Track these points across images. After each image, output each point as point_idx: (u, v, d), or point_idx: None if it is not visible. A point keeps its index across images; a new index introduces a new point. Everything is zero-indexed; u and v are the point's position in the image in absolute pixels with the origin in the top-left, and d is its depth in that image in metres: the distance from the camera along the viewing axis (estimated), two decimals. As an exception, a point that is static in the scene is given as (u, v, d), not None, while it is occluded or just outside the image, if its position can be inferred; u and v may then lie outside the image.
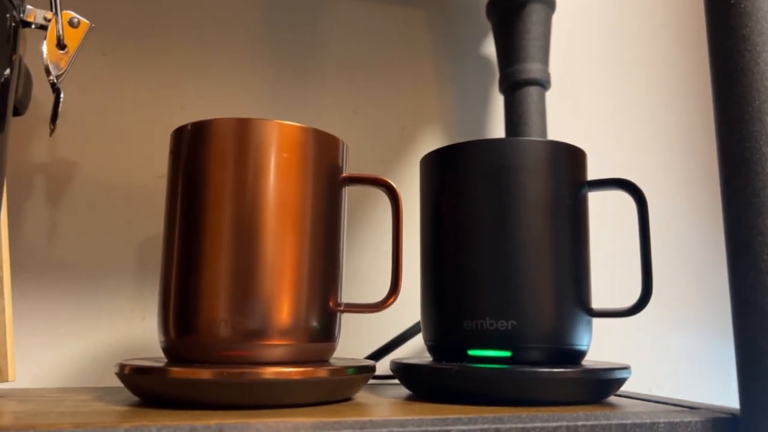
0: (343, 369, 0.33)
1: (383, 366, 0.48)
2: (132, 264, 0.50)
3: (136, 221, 0.51)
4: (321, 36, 0.58)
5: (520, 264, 0.35)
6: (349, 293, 0.39)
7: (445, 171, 0.39)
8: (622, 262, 0.57)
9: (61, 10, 0.35)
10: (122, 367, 0.32)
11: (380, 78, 0.59)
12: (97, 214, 0.50)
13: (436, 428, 0.27)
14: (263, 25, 0.57)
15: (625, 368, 0.35)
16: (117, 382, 0.46)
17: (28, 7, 0.35)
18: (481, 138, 0.61)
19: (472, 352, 0.35)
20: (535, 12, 0.56)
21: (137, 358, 0.37)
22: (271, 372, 0.30)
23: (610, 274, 0.56)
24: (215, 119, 0.35)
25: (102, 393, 0.38)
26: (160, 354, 0.36)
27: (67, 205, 0.50)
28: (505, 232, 0.36)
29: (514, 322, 0.34)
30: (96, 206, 0.50)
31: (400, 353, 0.50)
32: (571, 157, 0.38)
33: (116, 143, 0.51)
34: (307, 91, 0.57)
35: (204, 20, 0.55)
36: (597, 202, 0.44)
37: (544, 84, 0.55)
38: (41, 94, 0.39)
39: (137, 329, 0.49)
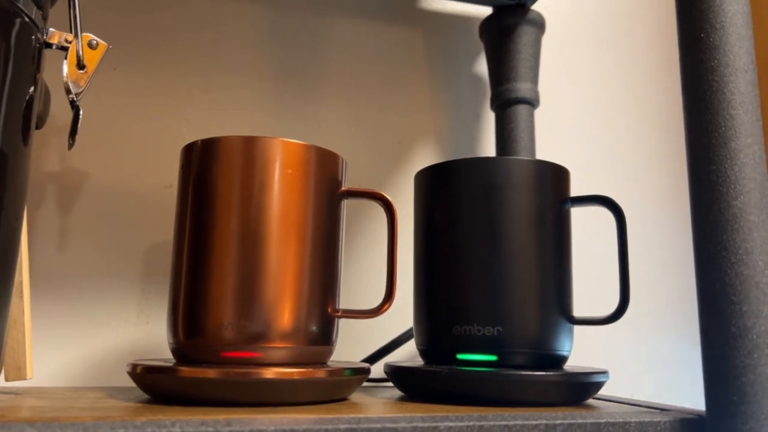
0: (341, 370, 0.35)
1: (378, 369, 0.51)
2: (138, 270, 0.53)
3: (144, 229, 0.53)
4: (322, 54, 0.61)
5: (506, 274, 0.38)
6: (346, 300, 0.41)
7: (438, 186, 0.41)
8: (602, 272, 0.60)
9: (81, 32, 0.37)
10: (134, 366, 0.35)
11: (378, 94, 0.62)
12: (105, 221, 0.52)
13: (426, 424, 0.29)
14: (267, 42, 0.60)
15: (603, 372, 0.38)
16: (123, 382, 0.49)
17: (51, 29, 0.37)
18: (473, 153, 0.64)
19: (461, 356, 0.38)
20: (525, 33, 0.59)
21: (147, 359, 0.39)
22: (273, 372, 0.33)
23: (591, 283, 0.59)
24: (224, 137, 0.37)
25: (113, 391, 0.40)
26: (166, 356, 0.38)
27: (78, 212, 0.52)
28: (492, 244, 0.38)
29: (500, 329, 0.37)
30: (105, 214, 0.52)
31: (394, 357, 0.53)
32: (556, 175, 0.41)
33: (125, 154, 0.54)
34: (308, 106, 0.60)
35: (211, 37, 0.58)
36: (579, 215, 0.46)
37: (533, 102, 0.58)
38: (54, 107, 0.41)
39: (142, 333, 0.52)
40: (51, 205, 0.52)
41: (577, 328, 0.41)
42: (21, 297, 0.36)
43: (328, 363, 0.39)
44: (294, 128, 0.59)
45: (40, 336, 0.49)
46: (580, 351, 0.49)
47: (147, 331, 0.52)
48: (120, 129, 0.54)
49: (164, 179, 0.54)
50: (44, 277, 0.50)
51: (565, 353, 0.39)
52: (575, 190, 0.43)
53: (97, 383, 0.49)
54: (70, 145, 0.38)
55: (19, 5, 0.34)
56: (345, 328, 0.48)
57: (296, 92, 0.60)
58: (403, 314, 0.53)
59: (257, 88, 0.59)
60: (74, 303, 0.51)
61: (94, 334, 0.51)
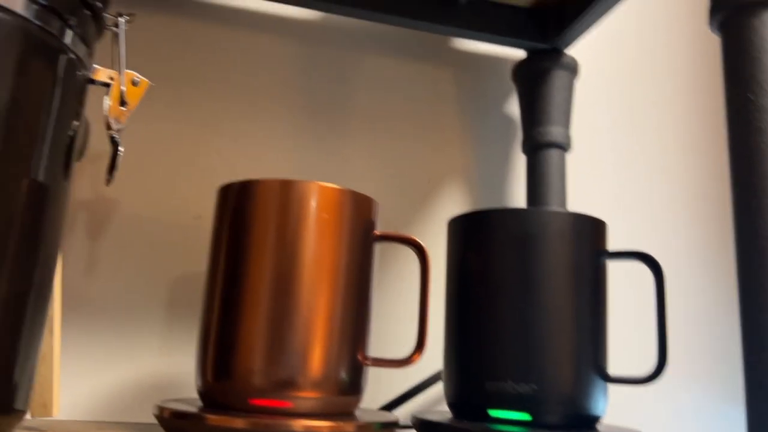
0: (370, 425, 0.35)
1: (402, 412, 0.50)
2: (163, 302, 0.52)
3: (170, 260, 0.53)
4: (352, 90, 0.61)
5: (541, 329, 0.37)
6: (373, 344, 0.40)
7: (473, 235, 0.41)
8: (638, 326, 0.59)
9: (124, 70, 0.38)
10: (161, 409, 0.34)
11: (407, 132, 0.62)
12: (133, 251, 0.52)
13: (461, 489, 0.28)
14: (298, 76, 0.60)
15: (638, 435, 0.37)
16: (143, 416, 0.48)
17: (95, 66, 0.37)
18: (502, 195, 0.63)
19: (493, 413, 0.37)
20: (558, 78, 0.59)
21: (172, 400, 0.38)
22: (302, 425, 0.32)
23: (626, 337, 0.57)
24: (261, 180, 0.37)
25: (137, 429, 0.40)
26: (187, 390, 0.38)
27: (106, 241, 0.52)
28: (528, 298, 0.38)
29: (535, 386, 0.36)
30: (133, 243, 0.52)
31: (416, 402, 0.51)
32: (593, 229, 0.40)
33: (156, 184, 0.54)
34: (336, 141, 0.60)
35: (243, 70, 0.58)
36: (615, 268, 0.46)
37: (564, 146, 0.58)
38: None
39: (164, 366, 0.51)
40: (81, 232, 0.52)
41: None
42: (51, 332, 0.36)
43: (356, 413, 0.38)
44: (322, 163, 0.59)
45: (63, 365, 0.48)
46: (613, 408, 0.47)
47: (169, 364, 0.51)
48: (151, 159, 0.54)
49: (193, 210, 0.54)
50: (68, 305, 0.50)
51: (599, 413, 0.38)
52: (608, 239, 0.42)
53: (117, 415, 0.49)
54: (109, 181, 0.38)
55: (67, 43, 0.34)
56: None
57: (325, 127, 0.60)
58: (429, 356, 0.52)
59: (287, 122, 0.59)
60: (97, 333, 0.50)
61: (116, 365, 0.50)
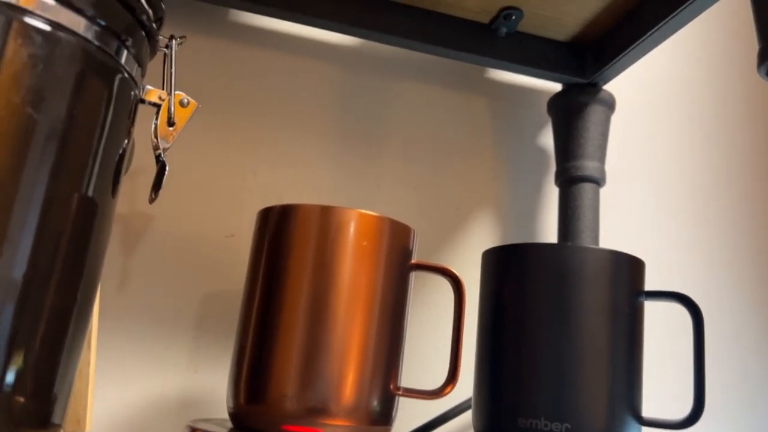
0: (403, 456, 0.34)
1: (426, 446, 0.49)
2: (192, 318, 0.52)
3: (201, 276, 0.53)
4: (388, 117, 0.62)
5: (576, 367, 0.37)
6: (405, 374, 0.40)
7: (509, 268, 0.41)
8: (671, 367, 0.58)
9: (174, 91, 0.38)
10: (193, 430, 0.34)
11: (440, 159, 0.62)
12: (165, 266, 0.53)
13: None
14: (336, 103, 0.61)
15: (674, 482, 0.36)
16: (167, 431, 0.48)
17: (147, 86, 0.38)
18: (533, 227, 0.63)
19: (524, 451, 0.36)
20: (594, 113, 0.59)
21: (203, 420, 0.38)
22: (335, 453, 0.32)
23: (660, 379, 0.57)
24: (301, 204, 0.38)
25: (164, 449, 0.40)
26: (212, 407, 0.38)
27: (139, 255, 0.52)
28: (563, 335, 0.37)
29: (569, 426, 0.36)
30: (165, 259, 0.53)
31: (444, 429, 0.51)
32: (631, 267, 0.40)
33: (191, 201, 0.55)
34: (370, 166, 0.60)
35: (282, 95, 0.59)
36: (652, 307, 0.45)
37: (599, 182, 0.58)
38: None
39: (190, 382, 0.51)
40: (115, 247, 0.52)
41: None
42: (89, 347, 0.36)
43: (386, 443, 0.38)
44: (355, 188, 0.59)
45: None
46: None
47: (195, 380, 0.52)
48: (187, 176, 0.55)
49: (227, 229, 0.55)
50: (101, 319, 0.50)
51: (632, 456, 0.38)
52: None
53: (141, 431, 0.49)
54: (153, 200, 0.39)
55: (122, 62, 0.35)
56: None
57: (360, 152, 0.60)
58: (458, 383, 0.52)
59: (323, 146, 0.59)
60: (125, 347, 0.51)
61: (141, 380, 0.50)
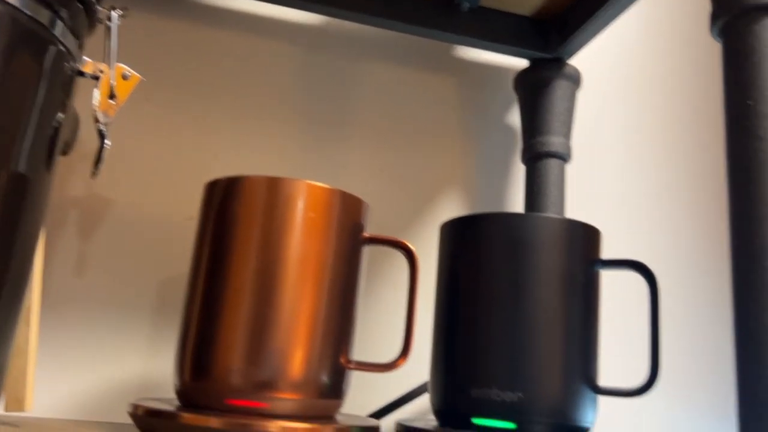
0: (348, 428, 0.34)
1: (387, 423, 0.48)
2: (152, 302, 0.52)
3: (161, 260, 0.52)
4: (351, 97, 0.61)
5: (530, 337, 0.36)
6: (359, 349, 0.40)
7: (463, 240, 0.40)
8: (629, 338, 0.57)
9: (115, 63, 0.37)
10: (135, 407, 0.33)
11: (406, 140, 0.61)
12: (124, 250, 0.52)
13: (436, 498, 0.27)
14: (298, 83, 0.60)
15: (629, 451, 0.36)
16: (128, 418, 0.47)
17: (85, 58, 0.37)
18: (500, 205, 0.62)
19: (477, 421, 0.36)
20: (560, 88, 0.58)
21: (150, 398, 0.37)
22: (278, 426, 0.31)
23: (617, 350, 0.56)
24: (247, 176, 0.37)
25: (113, 428, 0.39)
26: (173, 393, 0.37)
27: (98, 239, 0.52)
28: (517, 305, 0.37)
29: (521, 395, 0.35)
30: (124, 243, 0.52)
31: (405, 411, 0.50)
32: (587, 236, 0.39)
33: (150, 184, 0.54)
34: (335, 147, 0.59)
35: (243, 75, 0.58)
36: (607, 277, 0.44)
37: (564, 157, 0.57)
38: (82, 132, 0.41)
39: (151, 367, 0.51)
40: (72, 229, 0.51)
41: (601, 397, 0.39)
42: (27, 324, 0.35)
43: (336, 417, 0.37)
44: (320, 170, 0.58)
45: (47, 363, 0.48)
46: (603, 421, 0.46)
47: (156, 365, 0.51)
48: (147, 159, 0.54)
49: (187, 211, 0.54)
50: (56, 302, 0.49)
51: (587, 425, 0.37)
52: (604, 250, 0.41)
53: (101, 416, 0.48)
54: (94, 174, 0.38)
55: (56, 33, 0.34)
56: (355, 374, 0.46)
57: (324, 132, 0.59)
58: (417, 365, 0.51)
59: (286, 128, 0.58)
60: (84, 331, 0.50)
61: (101, 365, 0.49)
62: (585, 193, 0.65)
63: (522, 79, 0.60)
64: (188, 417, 0.31)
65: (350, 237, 0.38)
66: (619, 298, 0.58)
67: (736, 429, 0.31)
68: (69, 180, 0.52)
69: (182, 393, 0.35)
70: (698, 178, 0.71)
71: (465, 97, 0.64)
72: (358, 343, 0.39)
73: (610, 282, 0.45)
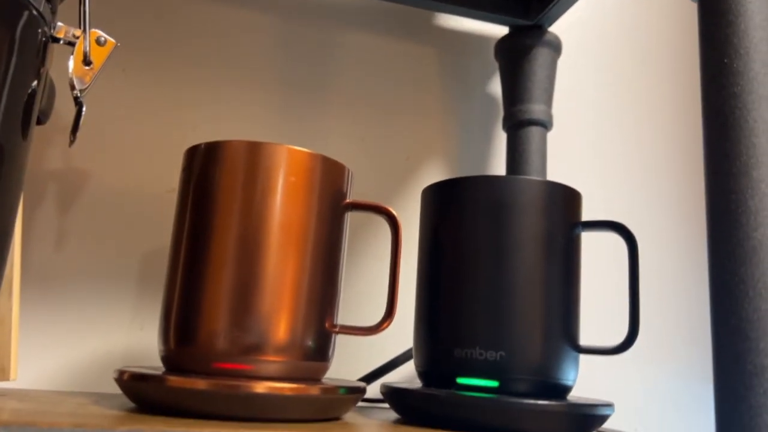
0: (335, 388, 0.34)
1: (374, 390, 0.49)
2: (135, 274, 0.51)
3: (143, 232, 0.52)
4: (332, 67, 0.61)
5: (512, 297, 0.37)
6: (344, 316, 0.40)
7: (445, 203, 0.40)
8: (612, 301, 0.58)
9: (89, 28, 0.37)
10: (121, 373, 0.33)
11: (388, 110, 0.61)
12: (105, 223, 0.51)
13: (421, 451, 0.28)
14: (278, 53, 0.59)
15: (608, 405, 0.36)
16: (112, 389, 0.47)
17: (59, 23, 0.37)
18: (482, 173, 0.63)
19: (461, 380, 0.36)
20: (541, 55, 0.58)
21: (135, 366, 0.37)
22: (264, 387, 0.31)
23: (600, 313, 0.57)
24: (227, 141, 0.36)
25: (98, 398, 0.39)
26: (158, 364, 0.37)
27: (78, 212, 0.51)
28: (499, 266, 0.37)
29: (503, 353, 0.36)
30: (105, 215, 0.51)
31: (391, 378, 0.51)
32: (567, 198, 0.40)
33: (129, 156, 0.53)
34: (316, 118, 0.59)
35: (222, 46, 0.57)
36: (590, 241, 0.45)
37: (546, 125, 0.57)
38: (59, 104, 0.41)
39: (135, 339, 0.50)
40: (50, 203, 0.51)
41: (583, 358, 0.39)
42: (10, 295, 0.35)
43: (323, 380, 0.37)
44: (301, 140, 0.58)
45: (32, 336, 0.47)
46: (585, 381, 0.47)
47: (140, 338, 0.51)
48: (126, 131, 0.53)
49: (167, 183, 0.53)
50: (38, 275, 0.49)
51: (569, 383, 0.38)
52: (586, 216, 0.42)
53: (85, 388, 0.48)
54: (71, 142, 0.37)
55: (28, -3, 0.33)
56: (342, 345, 0.46)
57: (305, 104, 0.59)
58: (403, 333, 0.51)
59: (266, 99, 0.58)
60: (67, 304, 0.49)
61: (85, 338, 0.49)
62: (566, 162, 0.66)
63: (502, 47, 0.60)
64: (175, 380, 0.31)
65: (332, 202, 0.38)
66: (600, 260, 0.59)
67: (714, 380, 0.32)
68: (46, 153, 0.51)
69: (168, 359, 0.35)
70: (677, 140, 0.72)
71: (445, 66, 0.64)
72: (342, 315, 0.39)
73: (591, 244, 0.46)
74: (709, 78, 0.35)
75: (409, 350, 0.49)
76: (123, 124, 0.53)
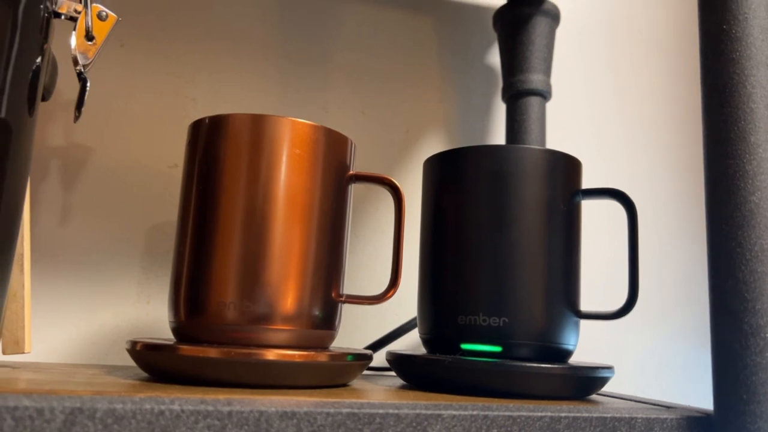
0: (343, 355, 0.35)
1: (380, 358, 0.50)
2: (140, 249, 0.52)
3: (147, 208, 0.52)
4: (331, 39, 0.60)
5: (513, 264, 0.37)
6: (350, 286, 0.41)
7: (447, 173, 0.41)
8: (612, 268, 0.59)
9: (91, 3, 0.37)
10: (134, 344, 0.34)
11: (387, 81, 0.61)
12: (109, 199, 0.52)
13: (429, 412, 0.29)
14: (277, 25, 0.59)
15: (608, 368, 0.37)
16: (121, 361, 0.48)
17: (61, -1, 0.37)
18: (482, 143, 0.63)
19: (464, 346, 0.37)
20: (539, 24, 0.58)
21: (147, 337, 0.38)
22: (274, 354, 0.32)
23: (601, 280, 0.58)
24: (232, 114, 0.37)
25: (111, 369, 0.40)
26: (165, 336, 0.38)
27: (81, 188, 0.51)
28: (500, 234, 0.38)
29: (506, 319, 0.36)
30: (109, 191, 0.52)
31: (397, 346, 0.52)
32: (567, 166, 0.40)
33: (131, 132, 0.53)
34: (316, 91, 0.59)
35: (220, 18, 0.57)
36: (591, 209, 0.46)
37: (545, 95, 0.57)
38: (60, 81, 0.41)
39: (143, 312, 0.51)
40: (55, 180, 0.51)
41: (583, 324, 0.40)
42: (21, 270, 0.36)
43: (330, 348, 0.38)
44: (301, 113, 0.58)
45: (40, 311, 0.48)
46: (586, 348, 0.48)
47: (147, 311, 0.52)
48: (126, 106, 0.53)
49: (169, 159, 0.54)
50: (45, 252, 0.49)
51: (570, 347, 0.39)
52: (586, 185, 0.42)
53: (95, 361, 0.49)
54: (76, 118, 0.38)
55: (29, -28, 0.33)
56: (348, 315, 0.47)
57: (304, 77, 0.59)
58: (407, 303, 0.53)
59: (265, 71, 0.58)
60: (75, 279, 0.50)
61: (93, 312, 0.50)
62: (566, 131, 0.66)
63: (501, 17, 0.60)
64: (187, 349, 0.32)
65: (336, 174, 0.39)
66: (600, 228, 0.60)
67: (711, 341, 0.33)
68: (48, 129, 0.51)
69: (179, 329, 0.36)
70: (675, 106, 0.72)
71: (444, 36, 0.64)
72: (347, 286, 0.40)
73: (591, 211, 0.46)
74: (708, 43, 0.35)
75: (413, 319, 0.50)
76: (123, 99, 0.53)
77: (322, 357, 0.34)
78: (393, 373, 0.46)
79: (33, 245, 0.49)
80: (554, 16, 0.59)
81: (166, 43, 0.55)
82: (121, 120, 0.53)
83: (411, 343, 0.55)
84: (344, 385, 0.37)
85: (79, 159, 0.52)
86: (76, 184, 0.52)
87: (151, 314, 0.51)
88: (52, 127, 0.51)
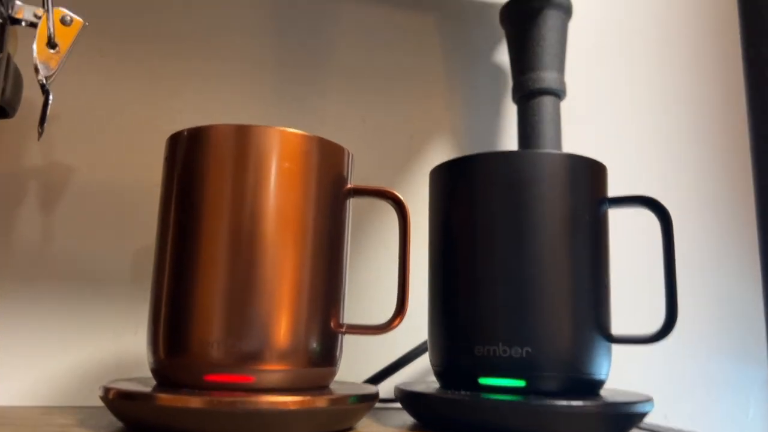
0: (344, 398, 0.31)
1: (386, 387, 0.46)
2: (125, 275, 0.48)
3: (131, 230, 0.48)
4: (327, 42, 0.56)
5: (535, 286, 0.33)
6: (350, 311, 0.36)
7: (457, 183, 0.36)
8: (641, 284, 0.55)
9: (52, 7, 0.33)
10: (107, 390, 0.30)
11: (388, 86, 0.57)
12: (91, 221, 0.48)
13: (445, 469, 0.24)
14: (267, 30, 0.55)
15: (647, 401, 0.33)
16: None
17: (17, 2, 0.33)
18: (492, 149, 0.59)
19: (483, 381, 0.33)
20: (551, 18, 0.54)
21: (123, 380, 0.34)
22: (266, 401, 0.28)
23: (630, 296, 0.53)
24: (213, 125, 0.33)
25: (86, 415, 0.36)
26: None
27: (61, 211, 0.48)
28: (520, 251, 0.34)
29: (529, 349, 0.32)
30: (90, 213, 0.48)
31: (404, 375, 0.48)
32: (591, 172, 0.36)
33: (113, 148, 0.49)
34: (312, 98, 0.55)
35: (206, 24, 0.53)
36: (618, 219, 0.41)
37: (559, 93, 0.53)
38: (37, 96, 0.37)
39: (129, 344, 0.47)
40: (33, 202, 0.47)
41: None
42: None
43: (331, 386, 0.34)
44: (296, 122, 0.54)
45: (15, 347, 0.44)
46: (616, 368, 0.43)
47: (135, 343, 0.47)
48: (108, 121, 0.50)
49: (155, 176, 0.49)
50: (23, 280, 0.45)
51: (602, 377, 0.34)
52: (610, 193, 0.38)
53: (77, 401, 0.45)
54: (40, 134, 0.34)
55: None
56: (349, 340, 0.43)
57: (298, 83, 0.55)
58: (415, 325, 0.48)
59: (256, 78, 0.54)
60: (55, 310, 0.46)
61: (75, 345, 0.46)
62: (583, 133, 0.61)
63: (508, 11, 0.55)
64: (165, 398, 0.28)
65: (332, 189, 0.34)
66: (629, 240, 0.55)
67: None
68: (24, 149, 0.47)
69: (158, 371, 0.32)
70: (701, 107, 0.67)
71: (447, 35, 0.60)
72: (349, 309, 0.36)
73: (618, 222, 0.42)
74: (750, 24, 0.31)
75: (422, 344, 0.46)
76: (105, 114, 0.50)
77: (320, 402, 0.29)
78: (400, 405, 0.41)
79: (9, 273, 0.45)
80: (566, 9, 0.54)
81: (150, 50, 0.51)
82: (103, 135, 0.49)
83: (421, 370, 0.51)
84: (349, 429, 0.33)
85: (58, 180, 0.48)
86: (56, 206, 0.48)
87: (139, 346, 0.47)
88: (27, 145, 0.48)
